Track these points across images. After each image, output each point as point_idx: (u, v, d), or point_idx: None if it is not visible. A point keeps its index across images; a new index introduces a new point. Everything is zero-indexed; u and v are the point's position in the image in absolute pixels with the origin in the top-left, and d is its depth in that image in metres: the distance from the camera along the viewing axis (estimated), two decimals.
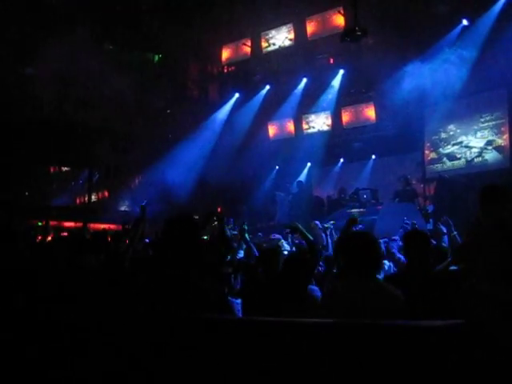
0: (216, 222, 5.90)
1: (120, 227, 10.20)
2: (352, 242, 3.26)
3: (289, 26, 15.75)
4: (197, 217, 8.02)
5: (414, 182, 14.79)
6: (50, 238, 7.78)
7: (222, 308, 2.97)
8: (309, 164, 16.70)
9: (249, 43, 16.55)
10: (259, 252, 5.76)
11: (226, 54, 17.11)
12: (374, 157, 15.52)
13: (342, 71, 14.89)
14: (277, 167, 17.12)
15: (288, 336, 2.02)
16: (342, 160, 16.32)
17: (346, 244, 3.36)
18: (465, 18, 12.47)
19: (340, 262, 3.41)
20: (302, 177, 16.14)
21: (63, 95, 13.53)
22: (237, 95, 16.51)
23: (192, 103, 16.53)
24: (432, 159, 14.24)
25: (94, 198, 17.67)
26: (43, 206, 14.63)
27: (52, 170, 17.63)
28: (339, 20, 14.48)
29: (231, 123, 16.15)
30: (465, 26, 12.57)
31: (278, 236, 8.01)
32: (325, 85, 15.45)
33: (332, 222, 7.70)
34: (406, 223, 6.87)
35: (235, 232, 7.84)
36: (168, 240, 3.18)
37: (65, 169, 17.85)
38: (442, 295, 3.82)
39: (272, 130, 17.04)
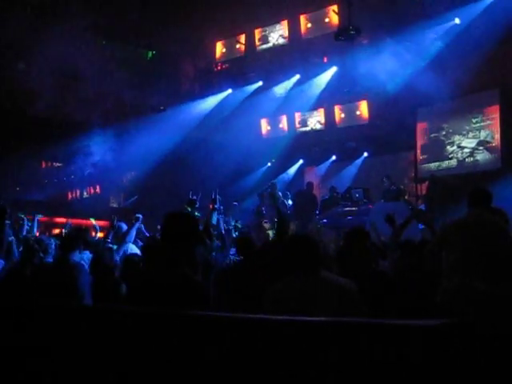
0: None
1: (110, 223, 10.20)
2: (294, 244, 3.59)
3: (283, 23, 15.75)
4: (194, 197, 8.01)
5: (405, 182, 14.86)
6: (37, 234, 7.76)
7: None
8: (301, 161, 16.73)
9: (243, 40, 16.54)
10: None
11: (219, 50, 17.09)
12: (366, 154, 15.53)
13: (335, 69, 14.87)
14: (269, 164, 17.13)
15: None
16: (334, 158, 16.33)
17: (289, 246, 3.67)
18: (458, 16, 12.49)
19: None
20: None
21: (58, 90, 13.42)
22: (229, 91, 16.52)
23: (186, 100, 16.46)
24: (424, 159, 14.27)
25: (85, 194, 17.62)
26: (34, 201, 14.56)
27: (44, 165, 17.56)
28: (334, 18, 14.50)
29: (222, 117, 16.10)
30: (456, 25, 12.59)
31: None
32: (318, 83, 15.46)
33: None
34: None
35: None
36: (166, 235, 3.17)
37: (57, 164, 17.77)
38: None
39: (265, 127, 17.06)
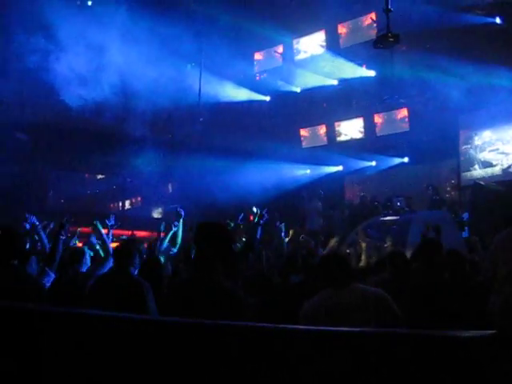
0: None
1: (154, 234, 10.35)
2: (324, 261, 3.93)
3: (321, 32, 15.75)
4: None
5: (448, 189, 14.61)
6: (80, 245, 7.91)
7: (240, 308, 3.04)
8: (340, 167, 16.62)
9: (280, 50, 16.62)
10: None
11: (257, 61, 17.20)
12: (406, 160, 15.31)
13: (374, 77, 14.78)
14: (308, 171, 17.10)
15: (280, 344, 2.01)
16: (374, 164, 16.12)
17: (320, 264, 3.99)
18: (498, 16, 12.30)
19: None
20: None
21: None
22: (268, 98, 16.57)
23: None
24: (467, 166, 14.01)
25: (127, 205, 17.94)
26: (78, 213, 14.89)
27: (87, 176, 18.00)
28: (371, 26, 14.43)
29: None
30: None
31: None
32: (357, 91, 15.40)
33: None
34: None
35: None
36: (199, 243, 3.25)
37: (99, 176, 18.18)
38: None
39: (304, 136, 17.10)
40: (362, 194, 14.51)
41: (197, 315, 2.42)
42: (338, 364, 1.89)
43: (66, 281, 4.99)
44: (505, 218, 4.80)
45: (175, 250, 6.95)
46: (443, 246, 5.42)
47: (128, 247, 4.63)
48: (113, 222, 6.78)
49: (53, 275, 5.05)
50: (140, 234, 13.19)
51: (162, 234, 7.13)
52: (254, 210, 5.88)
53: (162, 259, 6.34)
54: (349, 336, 2.01)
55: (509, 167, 13.07)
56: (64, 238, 5.36)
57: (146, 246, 8.41)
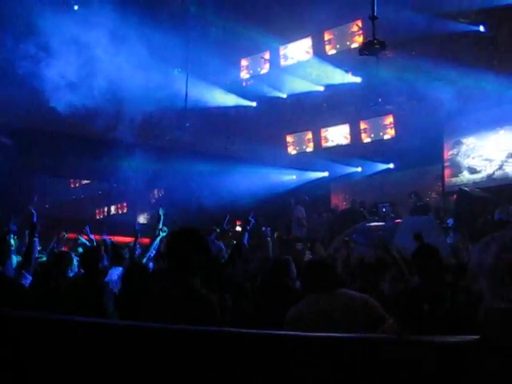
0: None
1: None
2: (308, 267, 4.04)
3: (307, 39, 15.80)
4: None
5: (433, 196, 14.71)
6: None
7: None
8: (326, 173, 16.67)
9: (267, 56, 16.65)
10: None
11: (244, 67, 17.21)
12: (392, 166, 15.41)
13: (360, 84, 14.86)
14: (294, 177, 17.14)
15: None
16: (360, 170, 16.20)
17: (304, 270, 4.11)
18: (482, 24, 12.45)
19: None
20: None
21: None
22: (254, 104, 16.64)
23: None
24: (452, 172, 14.11)
25: (113, 210, 17.84)
26: (63, 219, 14.76)
27: (72, 182, 17.87)
28: (358, 33, 14.51)
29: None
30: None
31: None
32: (344, 97, 15.47)
33: None
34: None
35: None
36: (170, 251, 3.29)
37: (85, 181, 18.05)
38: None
39: (290, 142, 17.16)
40: (352, 198, 14.55)
41: (170, 322, 2.40)
42: (320, 370, 1.88)
43: (46, 284, 4.99)
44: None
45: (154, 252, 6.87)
46: None
47: (93, 253, 4.81)
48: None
49: (30, 278, 5.04)
50: (125, 239, 13.09)
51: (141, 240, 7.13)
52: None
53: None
54: (330, 341, 2.00)
55: (493, 173, 13.18)
56: (37, 239, 5.37)
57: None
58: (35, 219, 5.41)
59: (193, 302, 2.96)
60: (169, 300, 3.02)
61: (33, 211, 5.50)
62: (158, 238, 6.77)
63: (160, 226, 6.78)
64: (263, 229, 8.34)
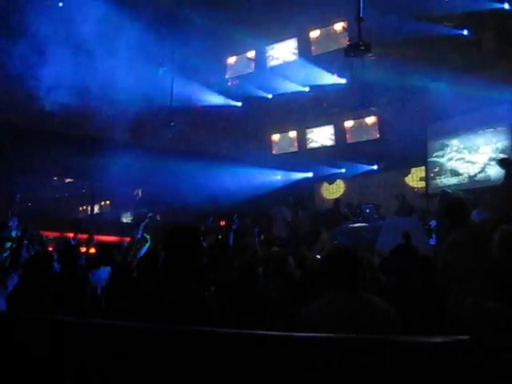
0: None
1: (121, 239, 10.20)
2: (336, 257, 3.22)
3: (293, 39, 15.81)
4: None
5: (417, 197, 14.79)
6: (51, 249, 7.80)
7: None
8: (310, 174, 16.71)
9: (253, 56, 16.62)
10: None
11: (229, 66, 17.18)
12: (376, 167, 15.49)
13: (345, 85, 14.91)
14: (279, 177, 17.15)
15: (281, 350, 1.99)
16: (344, 171, 16.26)
17: (330, 259, 3.28)
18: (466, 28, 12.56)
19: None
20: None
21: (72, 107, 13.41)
22: (239, 103, 16.62)
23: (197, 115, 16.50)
24: (435, 174, 14.22)
25: (96, 209, 17.70)
26: (45, 218, 14.61)
27: (55, 180, 17.70)
28: (343, 34, 14.54)
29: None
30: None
31: None
32: (328, 98, 15.51)
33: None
34: None
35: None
36: (168, 249, 3.18)
37: (67, 180, 17.89)
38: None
39: (275, 142, 17.18)
40: (336, 198, 14.60)
41: (165, 322, 2.39)
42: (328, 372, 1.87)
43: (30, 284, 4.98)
44: (450, 220, 4.89)
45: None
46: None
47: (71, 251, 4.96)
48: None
49: (16, 277, 5.02)
50: (109, 238, 13.01)
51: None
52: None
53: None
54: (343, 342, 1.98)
55: (475, 175, 13.31)
56: (26, 242, 5.35)
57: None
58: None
59: (191, 306, 2.90)
60: (165, 302, 2.95)
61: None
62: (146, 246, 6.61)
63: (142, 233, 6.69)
64: (253, 230, 8.31)
